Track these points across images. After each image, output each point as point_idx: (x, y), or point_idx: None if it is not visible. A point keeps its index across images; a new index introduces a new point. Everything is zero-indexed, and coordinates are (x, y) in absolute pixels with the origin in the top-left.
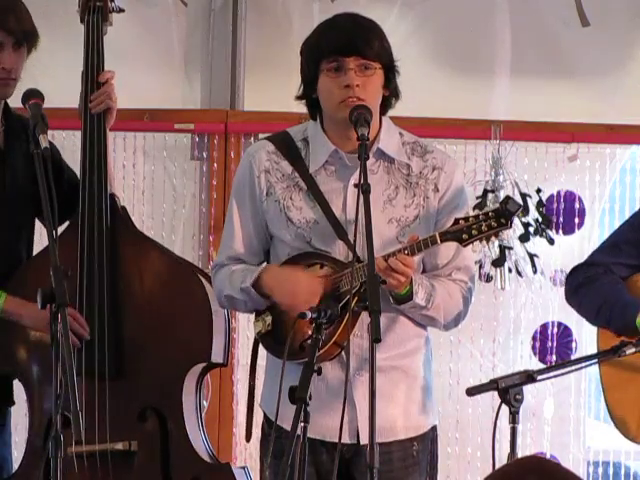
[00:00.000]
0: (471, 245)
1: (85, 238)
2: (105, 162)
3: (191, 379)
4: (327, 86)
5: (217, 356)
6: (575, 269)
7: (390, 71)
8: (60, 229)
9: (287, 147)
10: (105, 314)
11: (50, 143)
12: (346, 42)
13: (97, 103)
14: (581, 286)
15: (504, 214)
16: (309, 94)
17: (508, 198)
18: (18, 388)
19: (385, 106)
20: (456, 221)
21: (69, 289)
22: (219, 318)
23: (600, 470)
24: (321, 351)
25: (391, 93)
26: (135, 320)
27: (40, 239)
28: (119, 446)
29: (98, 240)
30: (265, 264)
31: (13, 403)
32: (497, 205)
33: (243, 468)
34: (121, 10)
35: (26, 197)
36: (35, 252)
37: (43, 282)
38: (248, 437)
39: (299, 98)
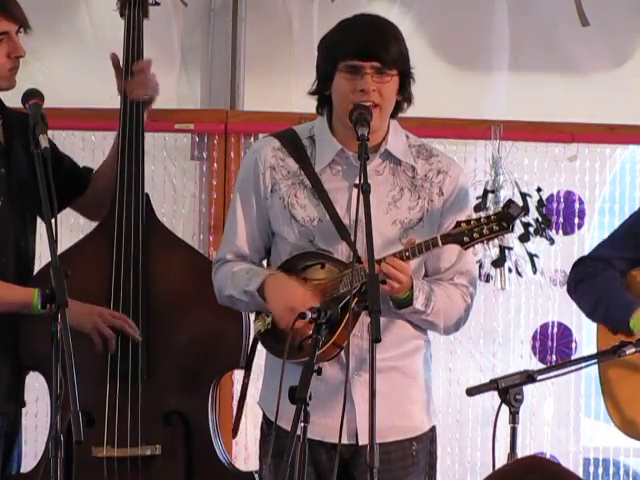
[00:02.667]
0: (472, 249)
1: (122, 238)
2: (142, 158)
3: (214, 385)
4: (342, 87)
5: (242, 361)
6: (577, 263)
7: (406, 77)
8: (77, 227)
9: (293, 144)
10: (140, 316)
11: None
12: (365, 46)
13: (131, 91)
14: (581, 282)
15: (506, 217)
16: (322, 90)
17: (510, 202)
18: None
19: (396, 110)
20: (458, 224)
21: (100, 288)
22: (245, 323)
23: (600, 469)
24: (319, 352)
25: (404, 98)
26: (166, 322)
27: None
28: (148, 451)
29: (134, 241)
30: (270, 269)
31: (24, 404)
32: (499, 208)
33: (256, 472)
34: (157, 3)
35: (31, 193)
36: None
37: (71, 279)
38: (234, 433)
39: (312, 93)
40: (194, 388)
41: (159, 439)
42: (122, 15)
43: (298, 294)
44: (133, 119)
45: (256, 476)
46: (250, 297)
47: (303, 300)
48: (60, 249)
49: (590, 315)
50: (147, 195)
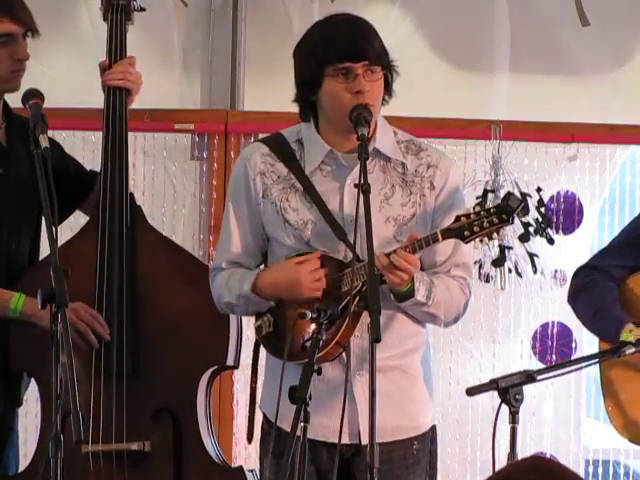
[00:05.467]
0: (472, 242)
1: (106, 237)
2: (126, 154)
3: (204, 382)
4: (335, 91)
5: (231, 359)
6: (577, 272)
7: (389, 71)
8: (77, 227)
9: (281, 149)
10: (124, 314)
11: (52, 140)
12: (353, 47)
13: (111, 77)
14: (579, 292)
15: (505, 210)
16: (308, 96)
17: (509, 194)
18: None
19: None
20: (457, 218)
21: (88, 288)
22: (233, 320)
23: (600, 469)
24: (323, 352)
25: (386, 91)
26: (152, 320)
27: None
28: (134, 446)
29: (118, 239)
30: (259, 268)
31: (21, 404)
32: (498, 201)
33: (251, 471)
34: (142, 9)
35: (29, 195)
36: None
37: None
38: (250, 439)
39: (296, 100)
40: (182, 385)
41: (148, 435)
42: (105, 19)
43: (298, 267)
44: (116, 111)
45: (248, 475)
46: (246, 300)
47: (306, 270)
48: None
49: (588, 328)
50: (132, 195)
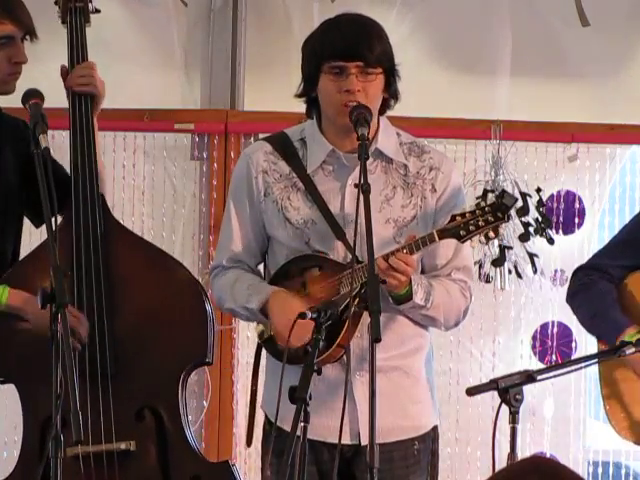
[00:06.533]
0: (469, 242)
1: (82, 238)
2: (95, 157)
3: (183, 378)
4: (328, 89)
5: (210, 355)
6: (576, 272)
7: (391, 75)
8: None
9: (284, 147)
10: (104, 314)
11: None
12: (349, 47)
13: (78, 82)
14: (577, 293)
15: (500, 208)
16: (309, 92)
17: (504, 192)
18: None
19: (384, 107)
20: (453, 217)
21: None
22: (210, 317)
23: (600, 470)
24: (325, 354)
25: (390, 95)
26: (131, 320)
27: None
28: (122, 446)
29: (93, 240)
30: (273, 287)
31: None
32: (493, 199)
33: (233, 465)
34: (97, 11)
35: (14, 197)
36: (21, 251)
37: (39, 278)
38: (249, 442)
39: (299, 96)
40: (163, 383)
41: (132, 435)
42: (64, 22)
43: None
44: (82, 116)
45: (234, 469)
46: (251, 313)
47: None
48: None
49: (587, 330)
50: (103, 196)
